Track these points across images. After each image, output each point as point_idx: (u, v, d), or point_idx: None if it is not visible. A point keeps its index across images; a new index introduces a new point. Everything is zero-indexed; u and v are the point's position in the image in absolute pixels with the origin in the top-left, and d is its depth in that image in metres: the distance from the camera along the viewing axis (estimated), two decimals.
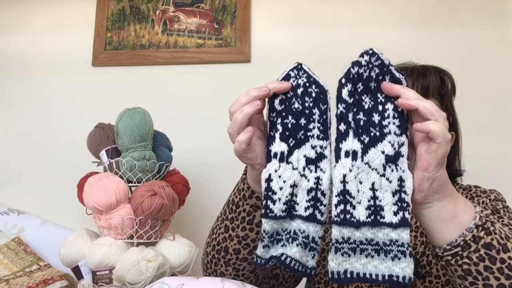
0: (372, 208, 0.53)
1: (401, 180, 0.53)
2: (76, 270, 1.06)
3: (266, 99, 0.57)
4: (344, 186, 0.53)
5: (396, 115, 0.54)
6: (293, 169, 0.55)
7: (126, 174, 1.07)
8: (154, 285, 0.60)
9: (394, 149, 0.53)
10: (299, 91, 0.56)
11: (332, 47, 1.48)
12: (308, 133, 0.55)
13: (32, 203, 1.44)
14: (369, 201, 0.53)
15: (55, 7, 1.63)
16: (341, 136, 0.54)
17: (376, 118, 0.54)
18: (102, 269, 1.01)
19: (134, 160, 1.06)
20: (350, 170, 0.53)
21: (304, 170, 0.55)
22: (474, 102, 1.38)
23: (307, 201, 0.55)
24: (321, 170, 0.55)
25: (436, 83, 0.81)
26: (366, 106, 0.55)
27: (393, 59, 0.86)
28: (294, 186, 0.55)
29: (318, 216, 0.55)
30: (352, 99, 0.54)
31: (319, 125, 0.56)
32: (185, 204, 1.18)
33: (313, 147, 0.55)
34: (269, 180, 0.55)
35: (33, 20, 1.63)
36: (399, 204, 0.52)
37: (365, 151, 0.53)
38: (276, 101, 0.56)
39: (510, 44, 1.42)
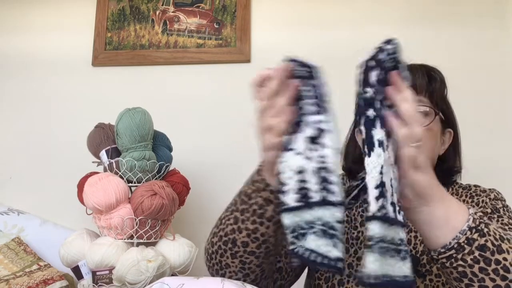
0: (393, 206, 0.49)
1: (398, 180, 0.52)
2: (76, 270, 1.06)
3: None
4: (381, 177, 0.48)
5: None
6: (297, 154, 0.52)
7: (126, 174, 1.07)
8: (154, 285, 0.60)
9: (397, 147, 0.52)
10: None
11: (332, 47, 1.48)
12: (305, 112, 0.53)
13: (32, 203, 1.44)
14: (391, 196, 0.49)
15: (55, 7, 1.63)
16: (371, 123, 0.50)
17: (387, 111, 0.51)
18: (102, 269, 1.01)
19: (134, 160, 1.06)
20: (384, 161, 0.49)
21: (309, 152, 0.51)
22: (474, 102, 1.38)
23: (315, 183, 0.50)
24: (324, 146, 0.51)
25: (423, 81, 0.81)
26: (381, 97, 0.52)
27: None
28: (301, 172, 0.51)
29: (331, 197, 0.50)
30: (378, 85, 0.51)
31: (313, 100, 0.52)
32: (185, 204, 1.18)
33: (313, 125, 0.52)
34: (280, 174, 0.52)
35: (33, 20, 1.63)
36: (399, 204, 0.51)
37: (387, 144, 0.50)
38: None
39: (510, 44, 1.42)
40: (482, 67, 1.41)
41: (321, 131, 0.52)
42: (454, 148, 0.88)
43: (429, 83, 0.81)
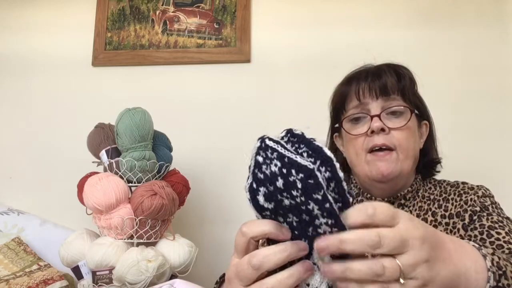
0: None
1: None
2: (76, 270, 1.06)
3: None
4: None
5: None
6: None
7: (126, 174, 1.07)
8: (164, 286, 0.59)
9: None
10: (279, 183, 0.39)
11: (332, 47, 1.48)
12: (319, 230, 0.40)
13: (32, 203, 1.44)
14: None
15: (55, 7, 1.63)
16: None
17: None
18: (102, 269, 1.01)
19: (134, 160, 1.06)
20: None
21: None
22: (474, 102, 1.38)
23: None
24: None
25: (392, 80, 0.80)
26: None
27: (393, 58, 0.87)
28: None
29: None
30: None
31: (325, 220, 0.40)
32: (185, 204, 1.18)
33: None
34: None
35: (33, 20, 1.63)
36: None
37: None
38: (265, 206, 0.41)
39: (510, 44, 1.42)
40: (482, 67, 1.41)
41: None
42: (431, 138, 0.88)
43: (399, 81, 0.81)
